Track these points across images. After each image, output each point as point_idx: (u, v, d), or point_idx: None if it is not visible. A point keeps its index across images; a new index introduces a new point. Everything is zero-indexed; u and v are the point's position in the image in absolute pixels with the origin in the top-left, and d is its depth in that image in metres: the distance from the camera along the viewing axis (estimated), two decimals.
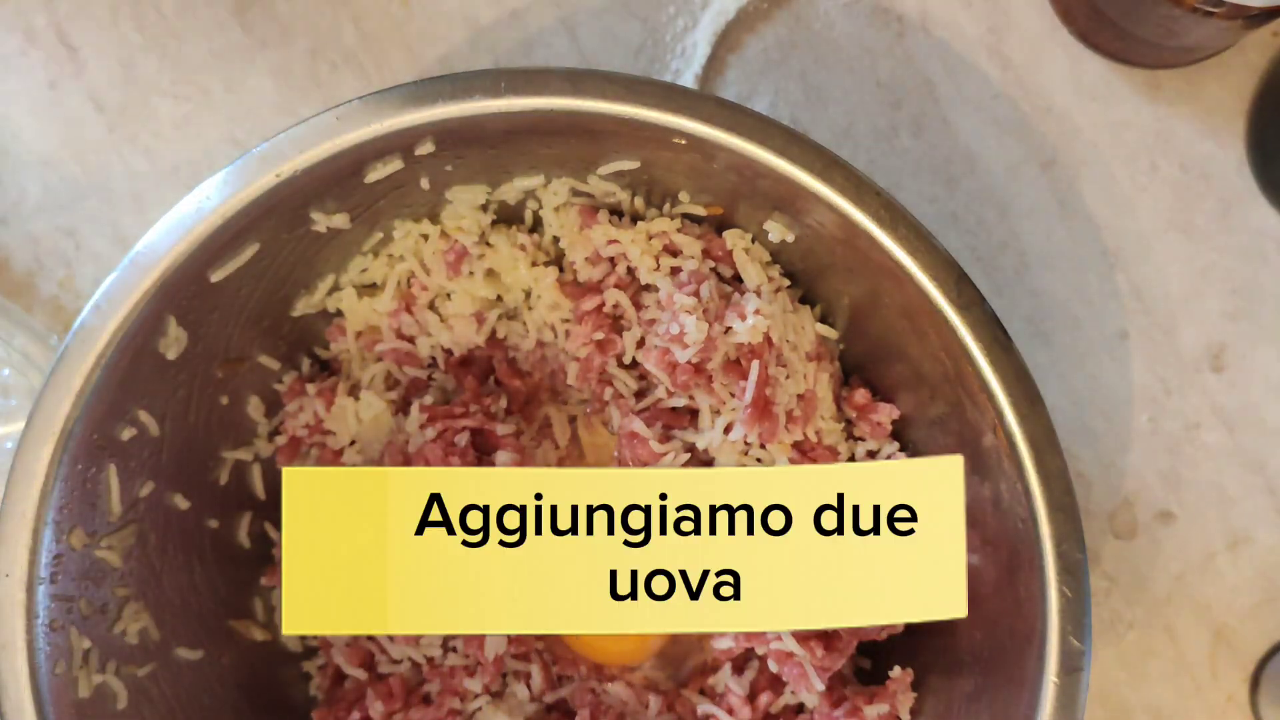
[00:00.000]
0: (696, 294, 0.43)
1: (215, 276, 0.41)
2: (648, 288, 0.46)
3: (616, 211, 0.46)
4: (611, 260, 0.46)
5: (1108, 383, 0.51)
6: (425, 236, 0.46)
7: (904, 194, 0.42)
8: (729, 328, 0.43)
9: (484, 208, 0.46)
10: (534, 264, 0.47)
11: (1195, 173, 0.51)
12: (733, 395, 0.44)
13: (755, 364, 0.43)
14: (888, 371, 0.46)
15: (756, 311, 0.43)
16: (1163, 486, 0.51)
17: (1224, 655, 0.50)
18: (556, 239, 0.47)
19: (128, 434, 0.41)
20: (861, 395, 0.46)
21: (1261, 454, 0.51)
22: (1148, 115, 0.51)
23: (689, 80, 0.51)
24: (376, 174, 0.41)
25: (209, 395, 0.45)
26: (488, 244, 0.46)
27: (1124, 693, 0.51)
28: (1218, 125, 0.51)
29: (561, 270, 0.47)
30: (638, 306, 0.46)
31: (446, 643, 0.46)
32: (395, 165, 0.41)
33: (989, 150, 0.51)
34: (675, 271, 0.45)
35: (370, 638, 0.47)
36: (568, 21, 0.52)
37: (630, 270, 0.46)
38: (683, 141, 0.40)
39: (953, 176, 0.51)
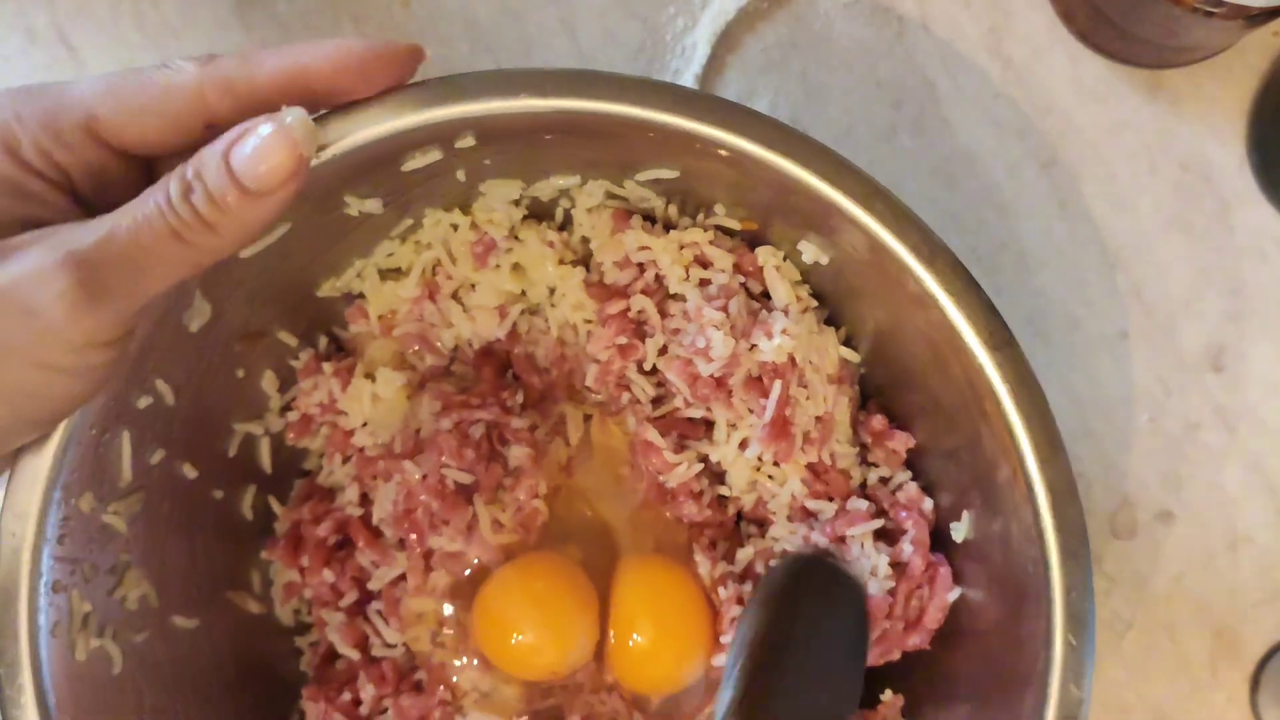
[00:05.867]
0: (725, 309, 0.43)
1: (245, 252, 0.40)
2: (674, 297, 0.46)
3: (649, 218, 0.46)
4: (640, 266, 0.46)
5: (1108, 383, 0.51)
6: (455, 226, 0.46)
7: (904, 194, 0.41)
8: (754, 345, 0.43)
9: (516, 202, 0.46)
10: (561, 262, 0.46)
11: (1195, 173, 0.51)
12: (751, 411, 0.44)
13: (777, 383, 0.43)
14: (906, 399, 0.45)
15: (783, 331, 0.43)
16: (1163, 486, 0.51)
17: (1224, 655, 0.50)
18: (586, 239, 0.47)
19: (144, 402, 0.41)
20: (879, 421, 0.45)
21: (1261, 454, 0.51)
22: (1148, 115, 0.51)
23: (689, 80, 0.51)
24: (414, 163, 0.40)
25: (226, 367, 0.45)
26: (516, 238, 0.46)
27: (1124, 693, 0.51)
28: (1218, 125, 0.51)
29: (588, 271, 0.47)
30: (663, 315, 0.46)
31: (435, 637, 0.46)
32: (434, 156, 0.40)
33: (989, 150, 0.51)
34: (704, 284, 0.45)
35: (366, 619, 0.47)
36: (568, 21, 0.52)
37: (658, 278, 0.46)
38: (725, 154, 0.39)
39: (953, 176, 0.51)
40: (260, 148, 0.33)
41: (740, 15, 0.51)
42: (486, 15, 0.52)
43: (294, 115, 0.34)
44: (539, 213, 0.47)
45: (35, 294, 0.31)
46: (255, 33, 0.52)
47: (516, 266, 0.47)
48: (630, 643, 0.45)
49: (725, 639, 0.45)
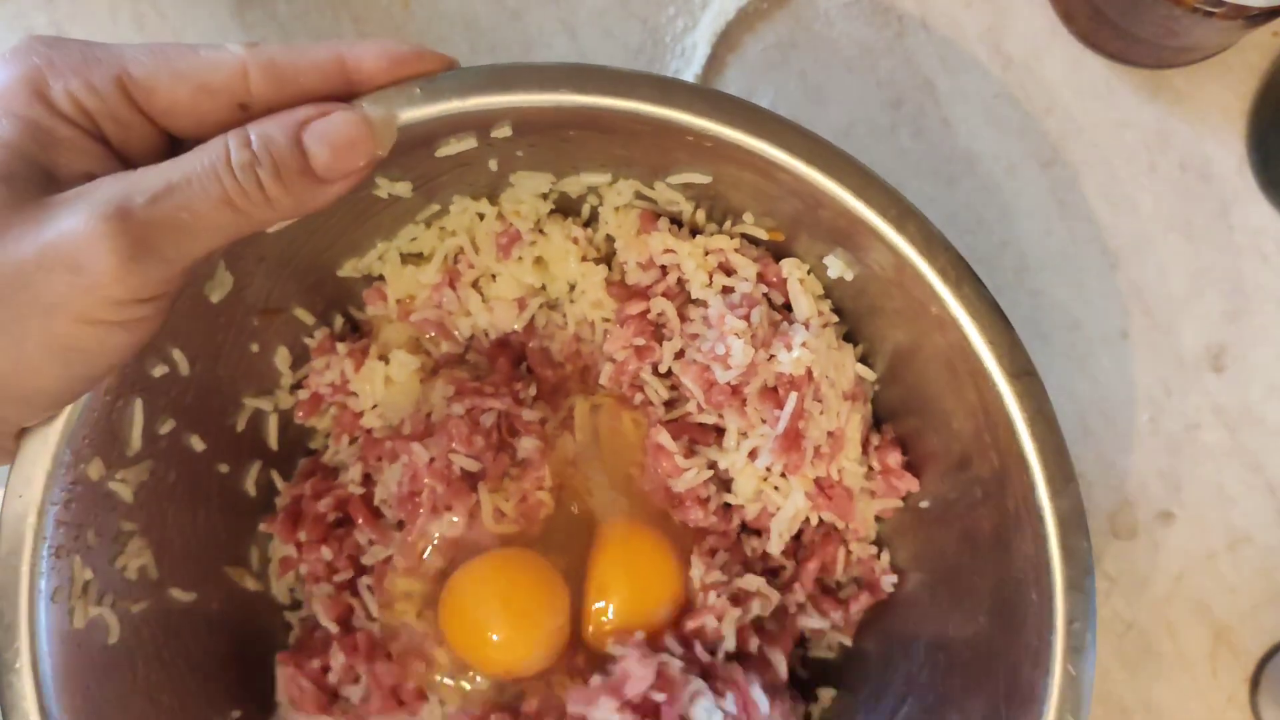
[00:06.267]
0: (747, 317, 0.43)
1: (272, 228, 0.40)
2: (695, 302, 0.46)
3: (676, 221, 0.46)
4: (663, 269, 0.46)
5: (1108, 383, 0.51)
6: (481, 215, 0.46)
7: (903, 194, 0.42)
8: (773, 355, 0.43)
9: (544, 196, 0.46)
10: (584, 259, 0.46)
11: (1195, 173, 0.51)
12: (763, 421, 0.44)
13: (793, 395, 0.43)
14: (918, 420, 0.45)
15: (804, 344, 0.43)
16: (1163, 486, 0.51)
17: (1224, 655, 0.50)
18: (611, 238, 0.47)
19: (159, 371, 0.41)
20: (895, 459, 0.45)
21: (1261, 454, 0.51)
22: (1148, 115, 0.51)
23: (688, 80, 0.51)
24: (449, 149, 0.40)
25: (241, 341, 0.45)
26: (541, 232, 0.46)
27: (1124, 693, 0.51)
28: (1218, 125, 0.51)
29: (609, 269, 0.47)
30: (682, 319, 0.45)
31: (419, 614, 0.46)
32: (469, 143, 0.40)
33: (989, 150, 0.51)
34: (727, 291, 0.45)
35: (354, 593, 0.47)
36: (567, 21, 0.52)
37: (680, 282, 0.46)
38: (764, 165, 0.39)
39: (953, 176, 0.51)
40: (339, 133, 0.33)
41: (740, 15, 0.51)
42: (486, 15, 0.52)
43: (378, 111, 0.34)
44: (565, 208, 0.47)
45: (82, 251, 0.31)
46: (254, 32, 0.52)
47: (539, 260, 0.46)
48: (599, 603, 0.46)
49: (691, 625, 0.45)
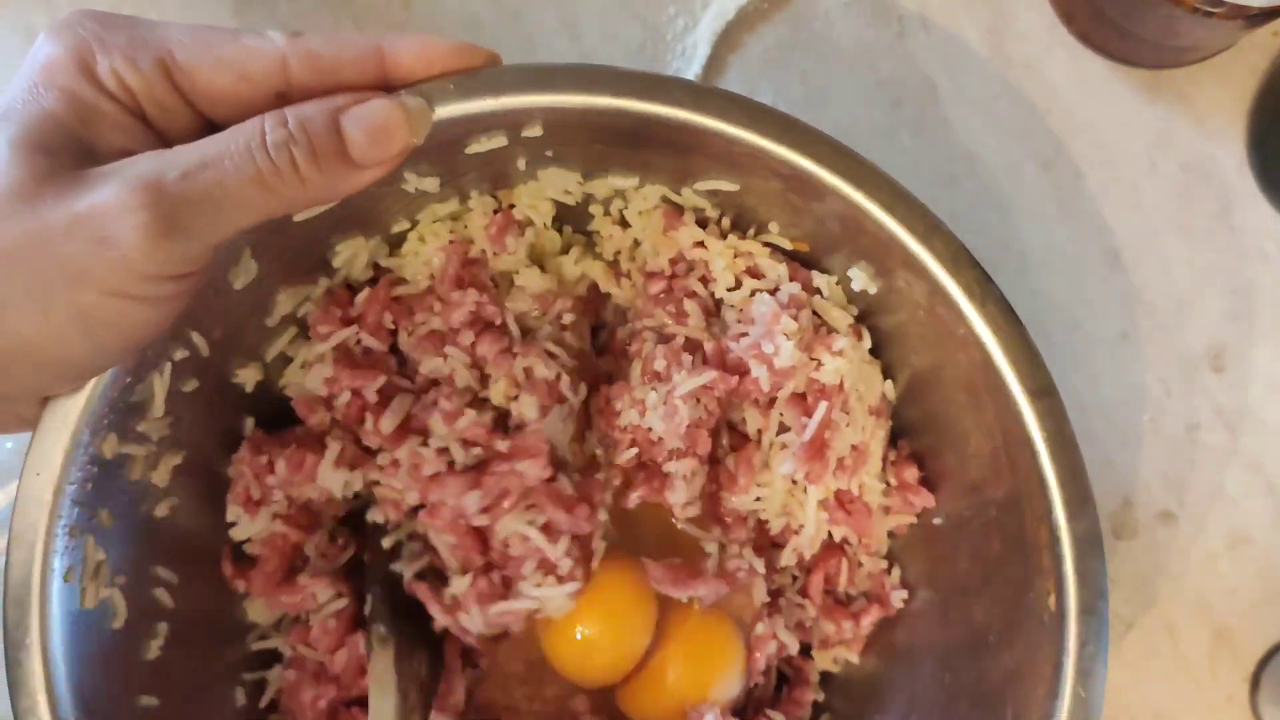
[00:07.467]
0: (796, 319, 0.43)
1: (299, 216, 0.40)
2: (720, 304, 0.45)
3: (699, 223, 0.45)
4: (690, 266, 0.45)
5: (1108, 383, 0.51)
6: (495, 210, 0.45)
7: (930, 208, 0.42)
8: (820, 363, 0.43)
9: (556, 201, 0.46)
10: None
11: (1195, 173, 0.51)
12: (788, 429, 0.44)
13: (823, 404, 0.42)
14: (935, 437, 0.45)
15: (840, 353, 0.42)
16: (1163, 486, 0.51)
17: (1224, 655, 0.50)
18: (638, 242, 0.46)
19: (180, 355, 0.41)
20: (911, 474, 0.45)
21: (1261, 454, 0.51)
22: (1148, 115, 0.51)
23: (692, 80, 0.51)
24: (479, 147, 0.40)
25: (258, 319, 0.44)
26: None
27: (1124, 693, 0.51)
28: (1218, 125, 0.51)
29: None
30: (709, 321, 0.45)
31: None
32: (499, 141, 0.40)
33: (989, 150, 0.51)
34: (772, 293, 0.44)
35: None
36: (568, 22, 0.52)
37: (704, 280, 0.45)
38: (798, 178, 0.39)
39: (953, 176, 0.51)
40: (377, 119, 0.34)
41: (740, 15, 0.51)
42: (487, 16, 0.52)
43: (414, 100, 0.34)
44: (574, 214, 0.46)
45: (112, 223, 0.31)
46: None
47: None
48: (657, 683, 0.45)
49: (759, 660, 0.45)
